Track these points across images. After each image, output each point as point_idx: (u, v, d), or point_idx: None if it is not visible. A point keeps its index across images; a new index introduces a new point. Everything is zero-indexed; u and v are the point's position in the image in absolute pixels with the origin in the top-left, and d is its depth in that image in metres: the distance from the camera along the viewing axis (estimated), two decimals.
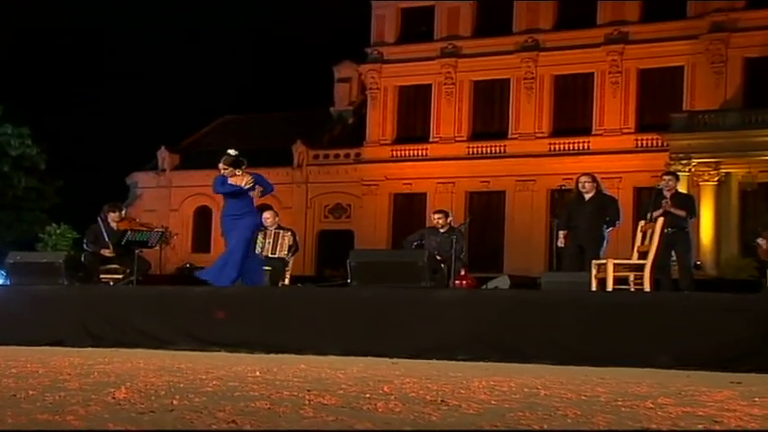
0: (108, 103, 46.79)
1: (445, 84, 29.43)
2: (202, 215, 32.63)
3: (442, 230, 10.27)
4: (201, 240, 31.66)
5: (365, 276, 7.06)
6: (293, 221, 26.27)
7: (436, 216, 10.42)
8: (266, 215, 9.79)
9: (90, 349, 6.70)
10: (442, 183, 28.97)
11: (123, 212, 10.25)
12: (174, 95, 48.31)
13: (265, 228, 9.69)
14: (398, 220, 29.62)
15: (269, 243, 9.54)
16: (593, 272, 7.54)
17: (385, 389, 3.89)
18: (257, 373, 4.61)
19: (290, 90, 45.77)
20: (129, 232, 9.41)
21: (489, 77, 29.01)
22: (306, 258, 27.93)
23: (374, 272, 7.06)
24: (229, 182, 7.67)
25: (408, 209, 29.73)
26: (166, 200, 32.53)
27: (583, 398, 3.68)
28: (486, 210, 27.95)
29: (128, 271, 9.41)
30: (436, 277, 7.20)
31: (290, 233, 10.47)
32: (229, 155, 7.76)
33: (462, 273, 9.41)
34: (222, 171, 7.71)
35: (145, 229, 9.81)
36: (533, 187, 27.92)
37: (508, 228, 28.31)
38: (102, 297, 7.33)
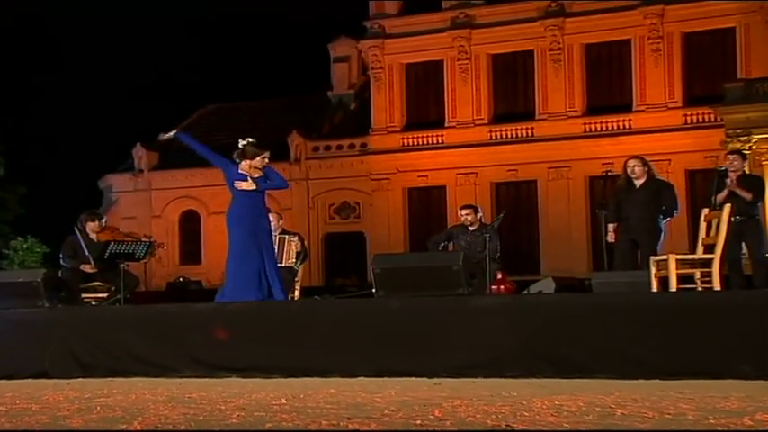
0: (73, 98, 46.87)
1: (459, 59, 29.43)
2: (189, 220, 32.76)
3: (471, 228, 10.30)
4: (190, 250, 31.84)
5: (392, 285, 7.05)
6: (295, 224, 26.27)
7: (464, 212, 10.44)
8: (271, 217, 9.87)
9: (81, 380, 6.70)
10: (463, 174, 28.96)
11: (103, 221, 10.29)
12: (148, 86, 48.43)
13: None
14: (415, 218, 29.66)
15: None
16: (653, 270, 7.52)
17: (436, 413, 3.89)
18: (283, 401, 4.61)
19: (280, 74, 45.81)
20: (112, 244, 9.45)
21: (509, 50, 28.96)
22: (312, 266, 27.98)
23: (403, 279, 7.05)
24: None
25: (426, 205, 29.76)
26: (146, 205, 32.65)
27: (667, 416, 3.67)
28: (516, 203, 27.86)
29: (113, 288, 9.44)
30: (474, 283, 7.17)
31: (296, 238, 10.49)
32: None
33: (499, 276, 9.39)
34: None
35: (130, 239, 9.87)
36: (568, 174, 27.89)
37: (543, 223, 28.27)
38: (90, 320, 7.34)
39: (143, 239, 9.99)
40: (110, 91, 47.47)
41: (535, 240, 28.17)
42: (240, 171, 7.51)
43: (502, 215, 10.69)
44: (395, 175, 29.82)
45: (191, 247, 31.90)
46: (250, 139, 7.60)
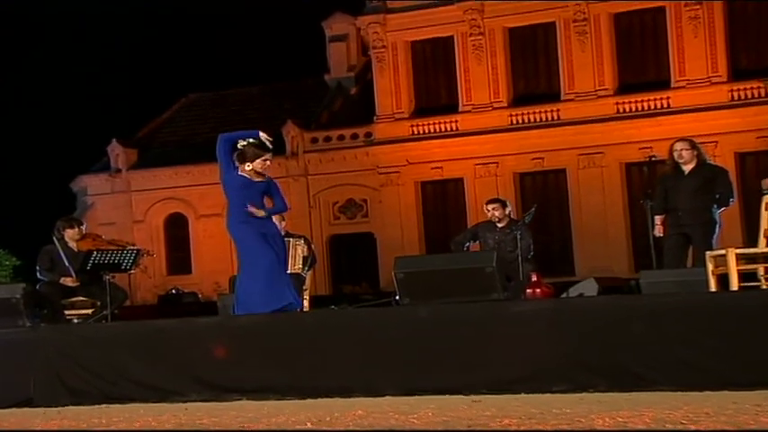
0: (40, 92, 46.85)
1: (471, 35, 29.31)
2: (176, 225, 32.65)
3: (499, 225, 10.33)
4: (179, 258, 31.79)
5: (418, 291, 7.05)
6: (295, 226, 26.18)
7: (491, 207, 10.46)
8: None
9: (72, 408, 6.70)
10: (482, 164, 28.88)
11: (83, 228, 10.32)
12: (123, 75, 48.45)
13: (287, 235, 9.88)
14: (431, 215, 29.58)
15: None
16: (710, 267, 7.50)
17: None
18: (308, 426, 4.61)
19: (270, 57, 45.78)
20: (95, 253, 9.47)
21: (527, 22, 28.76)
22: (316, 272, 28.04)
23: (429, 284, 7.05)
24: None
25: (442, 200, 29.68)
26: (126, 209, 32.66)
27: None
28: (544, 195, 27.67)
29: (98, 303, 9.50)
30: (510, 286, 7.18)
31: (302, 241, 10.55)
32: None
33: (534, 278, 9.38)
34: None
35: (114, 247, 9.91)
36: (602, 161, 27.77)
37: (575, 217, 28.14)
38: (79, 340, 7.32)
39: (129, 247, 10.03)
40: (80, 82, 47.45)
41: (568, 237, 28.07)
42: (241, 174, 7.48)
43: (533, 209, 10.68)
44: (405, 168, 29.76)
45: (179, 254, 31.92)
46: (251, 140, 7.53)
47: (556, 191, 28.56)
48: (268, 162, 7.51)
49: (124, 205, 32.82)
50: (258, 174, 7.49)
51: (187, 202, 32.15)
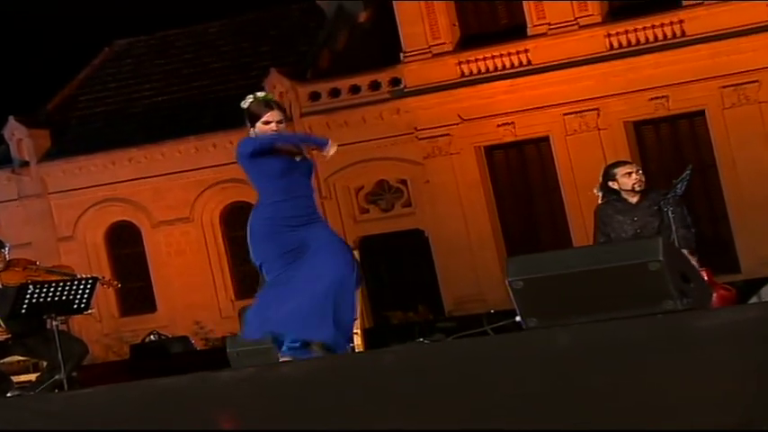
0: None
1: None
2: (123, 240, 32.68)
3: (633, 200, 10.44)
4: (134, 290, 31.61)
5: (548, 306, 7.08)
6: None
7: (625, 170, 10.54)
8: None
9: None
10: (575, 113, 28.76)
11: (6, 251, 10.44)
12: (13, 24, 48.67)
13: None
14: (505, 195, 29.46)
15: None
16: None
17: None
18: None
19: None
20: (31, 288, 9.63)
21: None
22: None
23: (564, 295, 7.09)
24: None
25: (519, 172, 29.60)
26: (45, 221, 32.69)
27: None
28: (674, 154, 27.47)
29: (44, 364, 9.80)
30: (690, 289, 7.13)
31: None
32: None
33: (704, 275, 9.36)
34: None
35: (58, 278, 10.11)
36: (758, 95, 27.58)
37: (727, 184, 27.98)
38: (45, 419, 7.34)
39: (81, 276, 10.29)
40: None
41: (722, 216, 28.04)
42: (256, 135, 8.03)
43: (687, 173, 10.68)
44: (458, 128, 29.62)
45: (133, 284, 31.84)
46: (258, 93, 8.21)
47: (693, 147, 28.54)
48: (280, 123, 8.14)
49: (40, 216, 32.87)
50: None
51: (135, 203, 32.23)
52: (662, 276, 6.88)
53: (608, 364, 6.53)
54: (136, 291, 31.85)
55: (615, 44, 28.88)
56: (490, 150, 29.76)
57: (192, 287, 30.14)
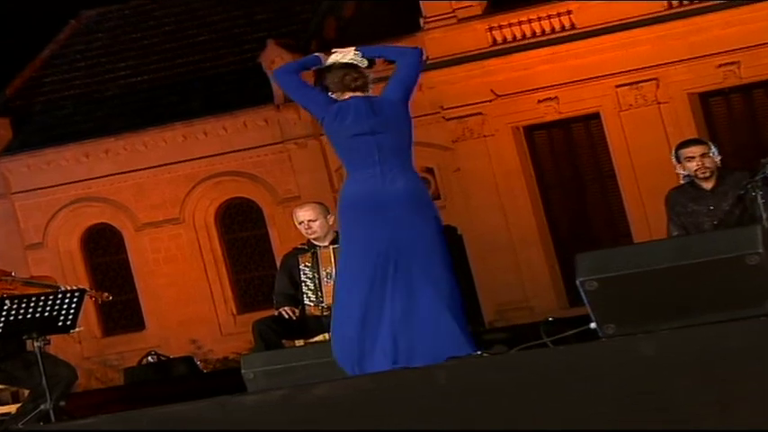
0: None
1: None
2: (102, 246, 33.17)
3: (706, 186, 10.51)
4: (118, 304, 31.78)
5: (628, 310, 7.15)
6: None
7: (687, 152, 10.51)
8: (304, 213, 10.72)
9: None
10: (629, 84, 28.98)
11: None
12: None
13: (312, 245, 10.78)
14: (552, 185, 29.90)
15: (327, 275, 10.55)
16: None
17: None
18: None
19: None
20: (8, 303, 9.76)
21: None
22: None
23: (647, 297, 7.14)
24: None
25: (566, 156, 30.01)
26: (9, 226, 33.12)
27: None
28: (752, 129, 27.92)
29: (26, 393, 9.94)
30: None
31: None
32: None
33: None
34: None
35: (37, 290, 10.23)
36: None
37: None
38: None
39: (64, 287, 10.34)
40: None
41: None
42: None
43: None
44: (492, 105, 29.92)
45: (116, 297, 31.86)
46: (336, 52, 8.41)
47: None
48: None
49: (2, 220, 33.26)
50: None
51: (115, 203, 32.59)
52: (763, 271, 6.89)
53: (705, 376, 6.60)
54: (120, 306, 31.97)
55: (675, 1, 28.84)
56: (530, 131, 30.02)
57: (186, 300, 30.40)
